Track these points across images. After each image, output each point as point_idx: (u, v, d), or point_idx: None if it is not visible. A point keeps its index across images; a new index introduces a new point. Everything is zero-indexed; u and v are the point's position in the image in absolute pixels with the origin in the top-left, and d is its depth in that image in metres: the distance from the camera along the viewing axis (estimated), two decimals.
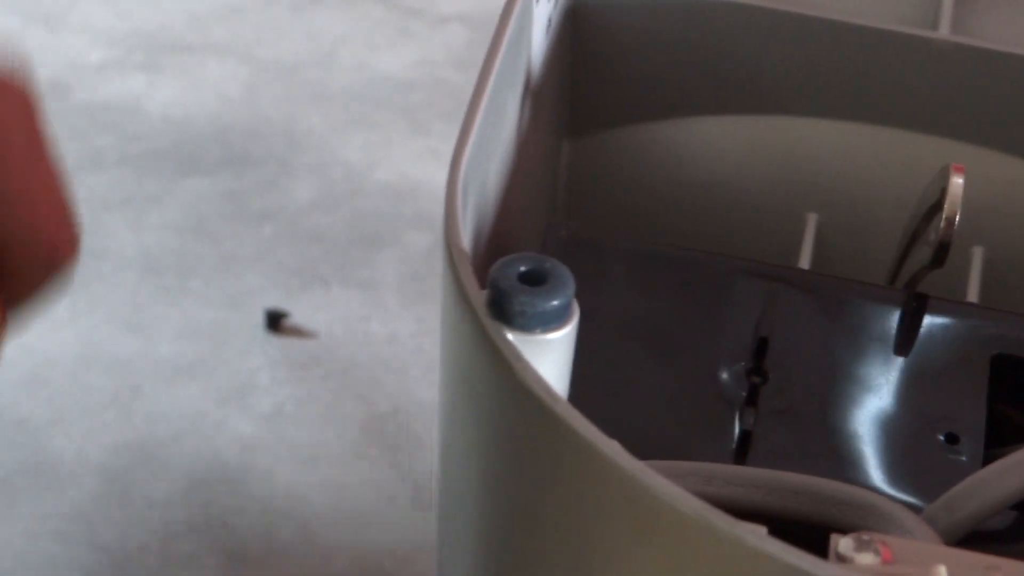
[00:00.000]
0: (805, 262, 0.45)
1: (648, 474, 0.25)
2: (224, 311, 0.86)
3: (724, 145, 0.47)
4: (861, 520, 0.29)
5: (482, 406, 0.29)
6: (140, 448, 0.79)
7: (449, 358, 0.31)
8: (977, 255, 0.45)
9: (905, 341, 0.36)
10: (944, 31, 0.45)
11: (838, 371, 0.35)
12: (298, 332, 0.84)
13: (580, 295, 0.35)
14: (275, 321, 0.84)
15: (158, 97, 0.98)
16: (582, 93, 0.47)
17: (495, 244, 0.37)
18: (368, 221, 0.91)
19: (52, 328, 0.84)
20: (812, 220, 0.46)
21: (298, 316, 0.85)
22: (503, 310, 0.28)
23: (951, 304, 0.37)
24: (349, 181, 0.94)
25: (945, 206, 0.35)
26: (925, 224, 0.38)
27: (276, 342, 0.84)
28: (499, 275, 0.28)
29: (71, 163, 0.92)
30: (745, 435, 0.33)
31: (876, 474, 0.32)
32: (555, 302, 0.28)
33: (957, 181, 0.36)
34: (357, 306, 0.86)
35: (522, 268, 0.29)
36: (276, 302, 0.85)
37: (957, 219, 0.35)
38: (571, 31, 0.45)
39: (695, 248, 0.38)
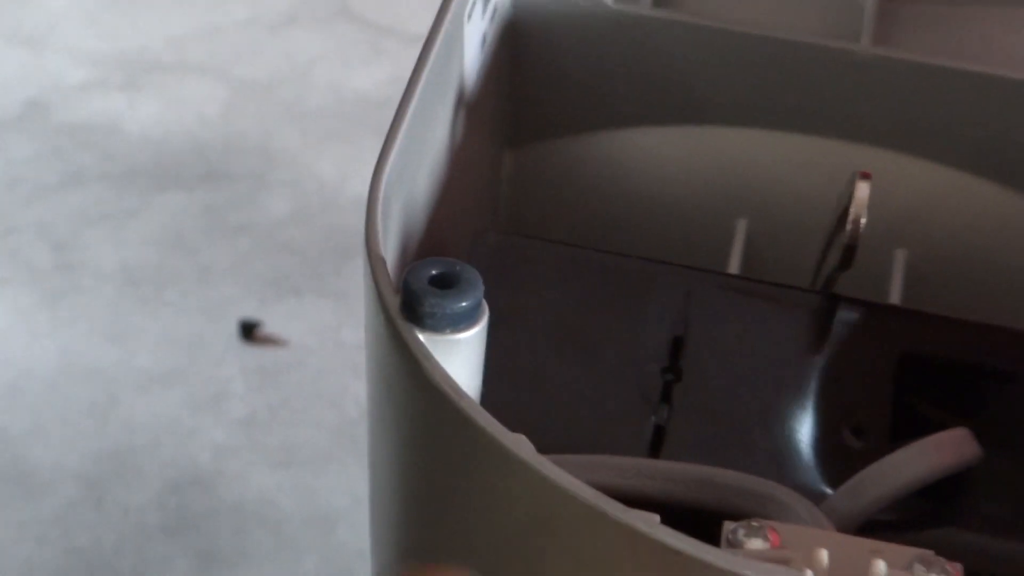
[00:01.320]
0: (735, 267, 0.45)
1: (545, 465, 0.26)
2: (200, 321, 0.86)
3: (660, 154, 0.48)
4: (760, 508, 0.29)
5: (397, 402, 0.29)
6: (116, 455, 0.80)
7: (371, 358, 0.31)
8: (899, 257, 0.46)
9: (817, 340, 0.36)
10: (866, 43, 0.45)
11: (751, 369, 0.35)
12: (271, 340, 0.85)
13: (504, 298, 0.36)
14: (248, 330, 0.84)
15: (138, 116, 0.99)
16: (523, 105, 0.47)
17: (428, 251, 0.38)
18: (340, 234, 0.92)
19: (32, 339, 0.84)
20: (742, 226, 0.46)
21: (272, 325, 0.85)
22: (414, 311, 0.29)
23: (862, 304, 0.37)
24: (322, 195, 0.94)
25: (851, 210, 0.36)
26: (839, 228, 0.38)
27: (250, 351, 0.85)
28: (411, 278, 0.29)
29: (53, 181, 0.93)
30: (659, 430, 0.33)
31: (785, 465, 0.33)
32: (464, 303, 0.29)
33: (863, 186, 0.36)
34: (329, 315, 0.87)
35: (433, 271, 0.29)
36: (251, 312, 0.86)
37: (863, 222, 0.36)
38: (510, 46, 0.46)
39: (619, 252, 0.38)
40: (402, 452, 0.30)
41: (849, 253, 0.36)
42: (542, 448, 0.29)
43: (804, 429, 0.34)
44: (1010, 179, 0.45)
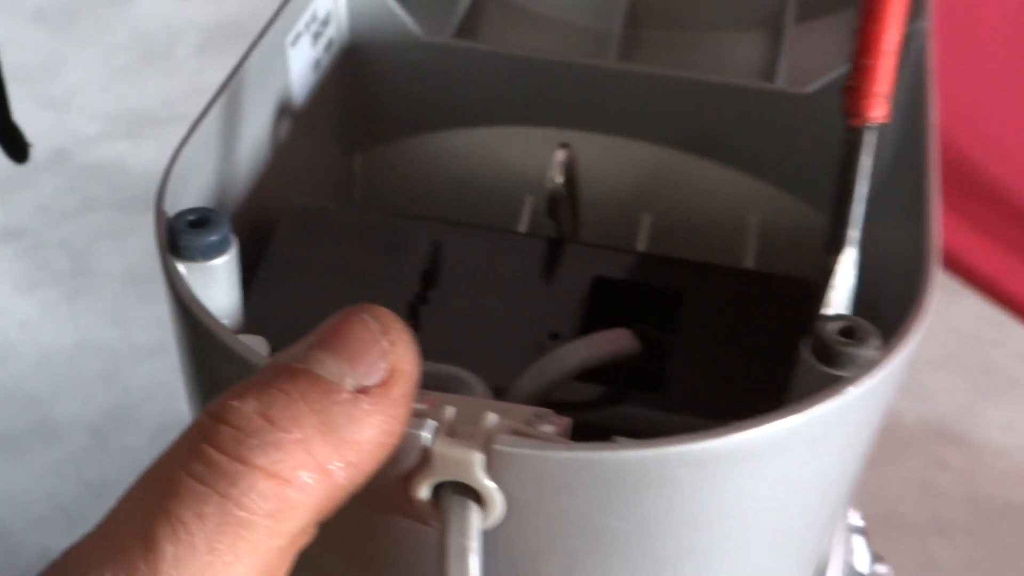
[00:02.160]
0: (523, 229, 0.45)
1: (253, 354, 0.26)
2: None
3: (471, 151, 0.48)
4: (451, 387, 0.30)
5: (175, 320, 0.30)
6: (118, 409, 0.80)
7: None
8: (645, 220, 0.46)
9: (537, 272, 0.36)
10: (611, 59, 0.46)
11: (482, 294, 0.35)
12: None
13: (299, 251, 0.36)
14: None
15: (139, 158, 0.99)
16: (366, 115, 0.47)
17: (262, 230, 0.37)
18: None
19: (55, 326, 0.84)
20: (529, 202, 0.46)
21: None
22: (176, 246, 0.29)
23: (570, 243, 0.37)
24: None
25: (552, 173, 0.36)
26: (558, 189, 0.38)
27: None
28: (173, 221, 0.30)
29: (73, 208, 0.93)
30: None
31: (500, 365, 0.32)
32: (212, 238, 0.29)
33: (560, 153, 0.37)
34: None
35: (191, 217, 0.30)
36: None
37: (558, 180, 0.36)
38: (351, 67, 0.45)
39: (396, 215, 0.38)
40: (181, 353, 0.30)
41: (551, 203, 0.36)
42: None
43: (516, 338, 0.34)
44: (724, 158, 0.45)
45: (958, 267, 0.90)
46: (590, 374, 0.33)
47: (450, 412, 0.25)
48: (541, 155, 0.46)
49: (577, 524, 0.26)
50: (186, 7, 1.13)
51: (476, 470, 0.25)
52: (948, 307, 0.84)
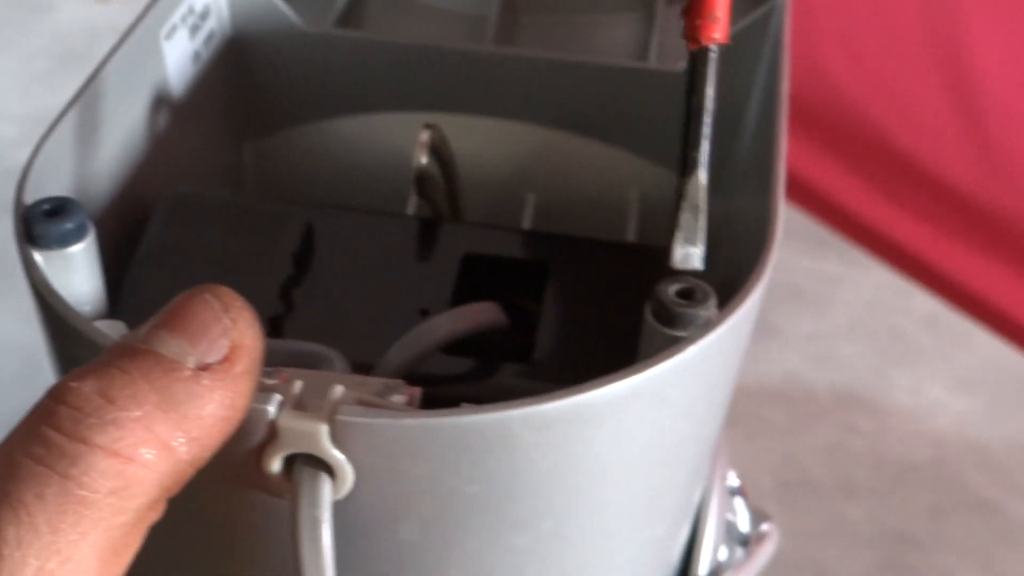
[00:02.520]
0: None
1: (98, 334, 0.26)
2: None
3: (368, 137, 0.48)
4: (313, 363, 0.30)
5: (36, 308, 0.30)
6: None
7: None
8: (530, 199, 0.47)
9: (411, 251, 0.37)
10: (488, 45, 0.46)
11: (356, 273, 0.35)
12: None
13: (173, 237, 0.36)
14: None
15: None
16: (253, 105, 0.47)
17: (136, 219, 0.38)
18: None
19: None
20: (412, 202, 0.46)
21: None
22: (32, 235, 0.30)
23: (448, 224, 0.38)
24: None
25: (417, 153, 0.37)
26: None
27: None
28: (29, 209, 0.30)
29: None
30: (278, 321, 0.34)
31: (370, 343, 0.33)
32: (68, 225, 0.30)
33: (425, 133, 0.37)
34: None
35: (47, 206, 0.30)
36: None
37: (424, 160, 0.37)
38: (235, 58, 0.45)
39: (284, 200, 0.39)
40: (46, 341, 0.31)
41: (419, 184, 0.37)
42: None
43: (387, 316, 0.34)
44: (603, 136, 0.46)
45: (869, 235, 0.91)
46: (462, 348, 0.34)
47: (297, 386, 0.26)
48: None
49: (429, 491, 0.26)
50: (106, 9, 1.12)
51: (322, 441, 0.25)
52: (855, 278, 0.86)
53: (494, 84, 0.46)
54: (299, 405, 0.26)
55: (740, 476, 0.70)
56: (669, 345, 0.27)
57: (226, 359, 0.24)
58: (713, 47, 0.31)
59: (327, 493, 0.26)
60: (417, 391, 0.28)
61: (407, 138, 0.48)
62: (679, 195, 0.30)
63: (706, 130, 0.30)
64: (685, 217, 0.30)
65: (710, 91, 0.30)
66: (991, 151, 0.88)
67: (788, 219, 0.93)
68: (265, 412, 0.25)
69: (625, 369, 0.26)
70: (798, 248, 0.87)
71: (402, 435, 0.25)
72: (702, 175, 0.30)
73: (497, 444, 0.26)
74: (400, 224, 0.38)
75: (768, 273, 0.29)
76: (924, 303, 0.84)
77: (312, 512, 0.25)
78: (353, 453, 0.26)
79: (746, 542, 0.42)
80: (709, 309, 0.28)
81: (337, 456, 0.25)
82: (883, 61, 0.92)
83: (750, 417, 0.74)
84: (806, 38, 0.91)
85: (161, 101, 0.40)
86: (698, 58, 0.31)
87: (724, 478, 0.39)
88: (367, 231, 0.37)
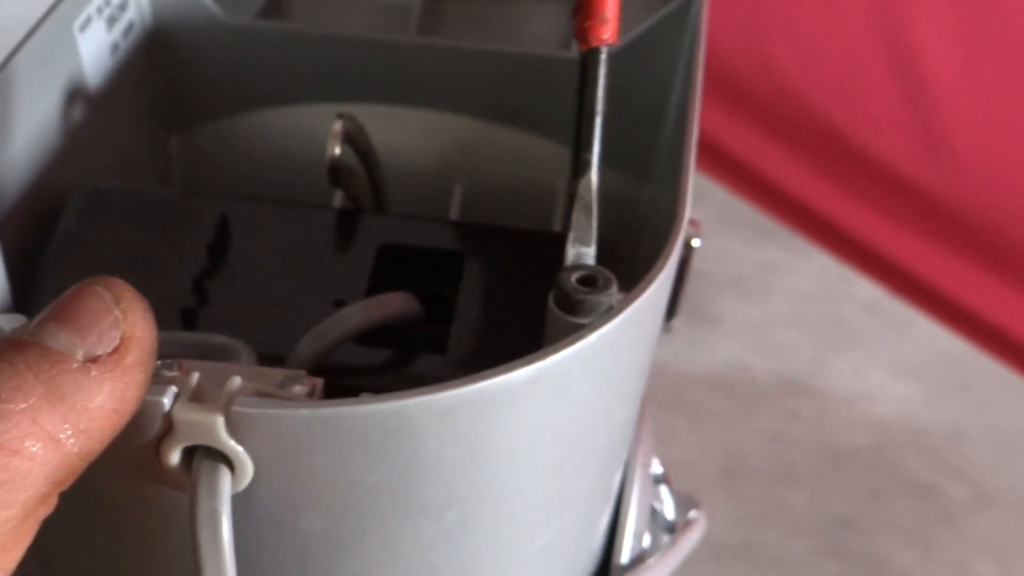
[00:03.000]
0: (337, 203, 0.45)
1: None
2: None
3: (294, 130, 0.48)
4: (223, 356, 0.30)
5: None
6: None
7: None
8: (457, 191, 0.47)
9: (327, 244, 0.36)
10: (411, 35, 0.46)
11: (272, 273, 0.35)
12: None
13: (86, 231, 0.36)
14: None
15: None
16: (180, 95, 0.47)
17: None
18: None
19: None
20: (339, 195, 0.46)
21: None
22: None
23: (367, 215, 0.38)
24: None
25: (329, 144, 0.37)
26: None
27: None
28: None
29: None
30: (190, 314, 0.34)
31: (284, 335, 0.32)
32: None
33: (338, 124, 0.37)
34: None
35: None
36: None
37: (337, 151, 0.37)
38: (157, 50, 0.45)
39: (207, 194, 0.38)
40: None
41: (332, 174, 0.37)
42: None
43: (303, 307, 0.34)
44: (529, 126, 0.46)
45: (816, 222, 0.91)
46: (379, 338, 0.34)
47: (195, 378, 0.26)
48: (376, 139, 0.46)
49: (330, 481, 0.26)
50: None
51: (219, 433, 0.25)
52: (797, 266, 0.86)
53: (419, 74, 0.45)
54: (196, 397, 0.25)
55: (684, 464, 0.71)
56: (571, 332, 0.27)
57: (116, 351, 0.24)
58: (603, 48, 0.31)
59: (225, 485, 0.25)
60: (319, 381, 0.27)
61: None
62: (571, 196, 0.30)
63: (598, 131, 0.30)
64: (577, 218, 0.30)
65: (600, 92, 0.30)
66: (936, 139, 0.89)
67: (733, 209, 0.94)
68: (160, 404, 0.25)
69: (524, 357, 0.26)
70: (742, 238, 0.88)
71: (299, 425, 0.25)
72: (594, 176, 0.30)
73: (396, 433, 0.25)
74: (318, 216, 0.37)
75: (673, 260, 0.29)
76: (866, 290, 0.85)
77: (210, 504, 0.25)
78: (251, 444, 0.25)
79: (672, 529, 0.42)
80: (611, 296, 0.28)
81: (234, 448, 0.25)
82: (830, 51, 0.93)
83: (693, 405, 0.75)
84: (754, 29, 0.91)
85: (76, 93, 0.39)
86: (588, 59, 0.31)
87: (647, 465, 0.39)
88: (285, 223, 0.37)
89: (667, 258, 0.29)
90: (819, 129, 0.94)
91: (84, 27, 0.40)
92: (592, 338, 0.27)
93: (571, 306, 0.28)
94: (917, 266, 0.90)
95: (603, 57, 0.31)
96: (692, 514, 0.43)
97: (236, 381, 0.25)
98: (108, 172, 0.42)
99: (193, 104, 0.47)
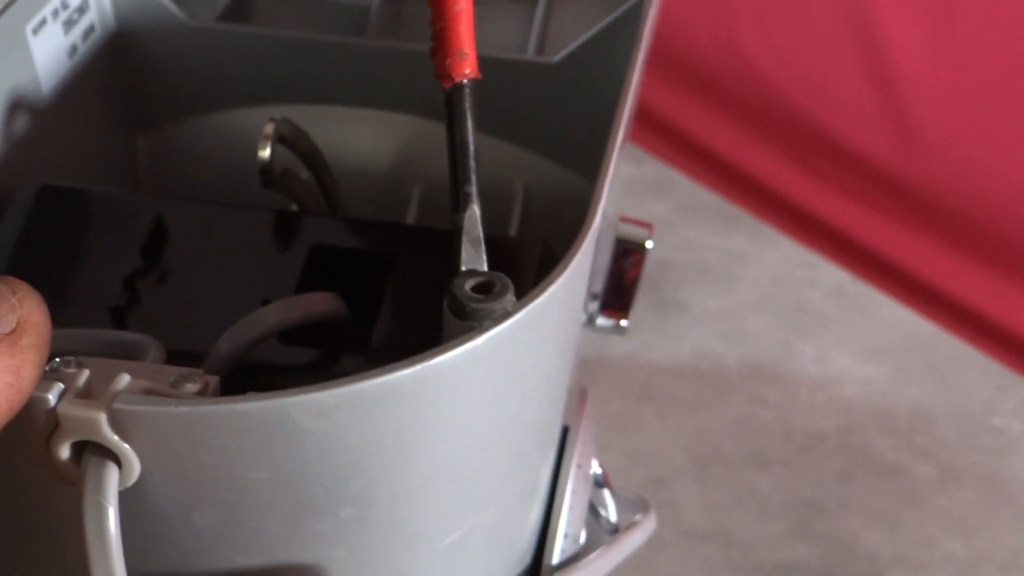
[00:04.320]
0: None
1: None
2: None
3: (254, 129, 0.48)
4: (133, 353, 0.30)
5: None
6: None
7: None
8: (416, 191, 0.47)
9: (262, 246, 0.37)
10: (371, 37, 0.47)
11: (204, 274, 0.36)
12: None
13: (23, 229, 0.37)
14: None
15: None
16: (144, 97, 0.47)
17: None
18: None
19: None
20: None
21: None
22: None
23: (305, 217, 0.38)
24: None
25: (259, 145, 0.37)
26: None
27: None
28: None
29: None
30: (120, 312, 0.34)
31: (209, 333, 0.32)
32: None
33: (270, 125, 0.38)
34: None
35: None
36: None
37: (268, 153, 0.37)
38: (120, 52, 0.45)
39: (125, 191, 0.39)
40: None
41: (263, 175, 0.37)
42: None
43: (231, 307, 0.34)
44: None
45: (783, 207, 0.91)
46: (306, 338, 0.34)
47: (84, 375, 0.26)
48: (314, 133, 0.47)
49: (218, 478, 0.27)
50: None
51: (102, 429, 0.25)
52: (763, 253, 0.86)
53: (378, 76, 0.46)
54: (84, 394, 0.26)
55: (652, 452, 0.71)
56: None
57: (13, 332, 0.25)
58: (466, 83, 0.31)
59: (112, 480, 0.26)
60: (213, 379, 0.28)
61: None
62: (457, 230, 0.30)
63: (473, 163, 0.31)
64: (466, 251, 0.30)
65: (470, 126, 0.31)
66: (902, 122, 0.88)
67: (698, 199, 0.93)
68: (46, 400, 0.25)
69: (406, 360, 0.26)
70: (708, 227, 0.87)
71: (180, 423, 0.25)
72: (476, 208, 0.30)
73: (277, 431, 0.26)
74: (254, 217, 0.38)
75: (577, 267, 0.29)
76: (831, 275, 0.84)
77: (97, 499, 0.26)
78: (137, 441, 0.26)
79: (616, 531, 0.42)
80: (505, 302, 0.28)
81: (119, 444, 0.25)
82: (797, 38, 0.92)
83: (661, 394, 0.74)
84: (721, 18, 0.91)
85: (28, 95, 0.40)
86: (454, 95, 0.31)
87: (585, 465, 0.39)
88: (221, 224, 0.37)
89: (566, 265, 0.29)
90: (786, 114, 0.93)
91: (37, 30, 0.40)
92: (480, 341, 0.27)
93: (463, 312, 0.28)
94: (884, 248, 0.89)
95: (467, 92, 0.31)
96: (638, 517, 0.43)
97: (124, 379, 0.26)
98: (73, 172, 0.43)
99: (158, 106, 0.47)
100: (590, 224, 0.30)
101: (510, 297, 0.28)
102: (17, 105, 0.39)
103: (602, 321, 0.47)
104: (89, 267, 0.35)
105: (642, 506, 0.44)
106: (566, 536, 0.37)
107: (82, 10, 0.43)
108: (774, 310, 0.80)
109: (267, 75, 0.46)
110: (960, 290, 0.85)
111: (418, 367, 0.26)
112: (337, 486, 0.27)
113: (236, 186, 0.48)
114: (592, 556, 0.38)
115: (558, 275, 0.29)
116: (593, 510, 0.41)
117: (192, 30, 0.45)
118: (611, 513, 0.41)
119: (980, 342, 0.79)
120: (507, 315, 0.28)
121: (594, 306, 0.45)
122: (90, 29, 0.43)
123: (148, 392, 0.26)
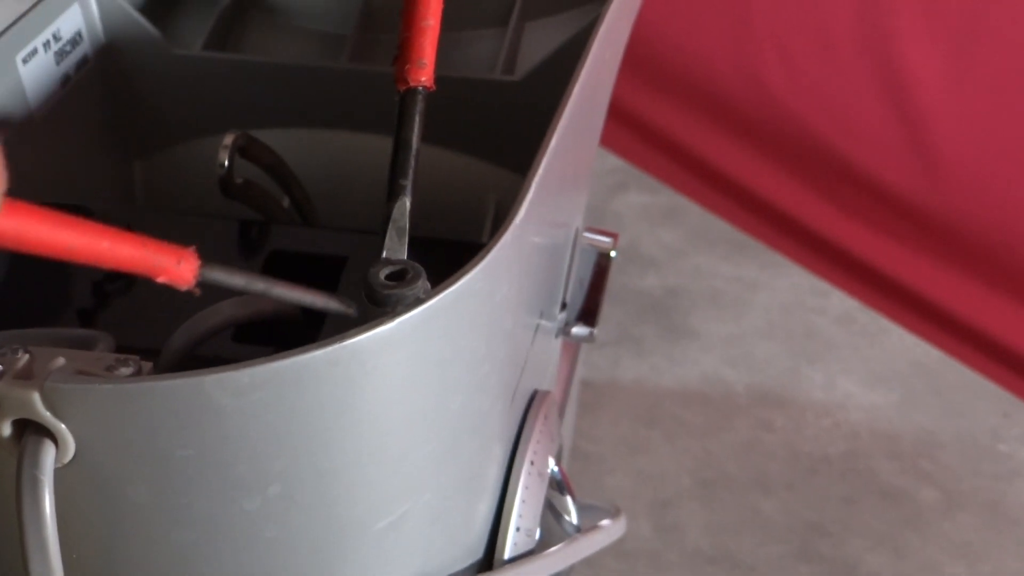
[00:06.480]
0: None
1: None
2: None
3: None
4: (85, 346, 0.33)
5: None
6: None
7: None
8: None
9: (226, 253, 0.39)
10: (344, 61, 0.49)
11: None
12: None
13: None
14: None
15: None
16: (138, 123, 0.50)
17: None
18: None
19: None
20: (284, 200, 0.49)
21: None
22: None
23: (267, 226, 0.40)
24: None
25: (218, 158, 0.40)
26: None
27: None
28: None
29: None
30: (88, 314, 0.37)
31: (171, 331, 0.35)
32: None
33: (229, 137, 0.40)
34: None
35: None
36: None
37: (225, 164, 0.40)
38: (114, 80, 0.48)
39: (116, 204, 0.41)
40: None
41: (223, 185, 0.40)
42: None
43: (192, 306, 0.36)
44: (461, 147, 0.49)
45: (800, 233, 0.92)
46: (258, 337, 0.37)
47: (23, 359, 0.29)
48: (301, 155, 0.50)
49: (148, 455, 0.29)
50: None
51: (35, 406, 0.28)
52: (773, 281, 0.87)
53: (357, 99, 0.48)
54: (22, 375, 0.28)
55: (659, 475, 0.72)
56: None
57: None
58: (420, 89, 0.33)
59: (48, 456, 0.28)
60: (148, 365, 0.30)
61: (283, 154, 0.51)
62: (386, 218, 0.32)
63: (413, 160, 0.33)
64: (390, 238, 0.32)
65: (417, 129, 0.33)
66: (924, 151, 0.89)
67: (710, 227, 0.95)
68: None
69: (319, 342, 0.28)
70: (718, 254, 0.89)
71: (108, 400, 0.28)
72: (406, 201, 0.33)
73: (197, 409, 0.28)
74: (220, 226, 0.40)
75: (497, 257, 0.31)
76: (840, 302, 0.85)
77: (33, 473, 0.28)
78: (71, 419, 0.28)
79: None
80: (417, 289, 0.30)
81: (53, 421, 0.28)
82: (818, 67, 0.93)
83: (669, 418, 0.76)
84: (743, 47, 0.92)
85: (17, 121, 0.43)
86: (407, 99, 0.33)
87: (540, 463, 0.41)
88: (187, 232, 0.40)
89: (483, 257, 0.31)
90: (806, 143, 0.94)
91: (28, 59, 0.44)
92: (391, 325, 0.29)
93: (376, 299, 0.30)
94: (899, 274, 0.89)
95: (420, 98, 0.33)
96: (605, 522, 0.44)
97: (59, 361, 0.28)
98: (72, 198, 0.46)
99: (151, 131, 0.50)
100: (512, 219, 0.32)
101: (422, 284, 0.30)
102: (6, 130, 0.42)
103: (577, 330, 0.49)
104: (61, 274, 0.37)
105: (613, 513, 0.46)
106: (518, 530, 0.39)
107: (75, 42, 0.46)
108: (783, 336, 0.82)
109: (247, 100, 0.49)
110: (975, 316, 0.85)
111: (329, 348, 0.28)
112: (261, 463, 0.29)
113: (230, 207, 0.50)
114: (546, 552, 0.40)
115: (473, 266, 0.30)
116: (557, 515, 0.42)
117: (178, 58, 0.48)
118: (573, 517, 0.43)
119: (990, 368, 0.80)
120: (419, 302, 0.29)
121: (564, 315, 0.47)
122: (83, 60, 0.46)
123: (80, 373, 0.28)
